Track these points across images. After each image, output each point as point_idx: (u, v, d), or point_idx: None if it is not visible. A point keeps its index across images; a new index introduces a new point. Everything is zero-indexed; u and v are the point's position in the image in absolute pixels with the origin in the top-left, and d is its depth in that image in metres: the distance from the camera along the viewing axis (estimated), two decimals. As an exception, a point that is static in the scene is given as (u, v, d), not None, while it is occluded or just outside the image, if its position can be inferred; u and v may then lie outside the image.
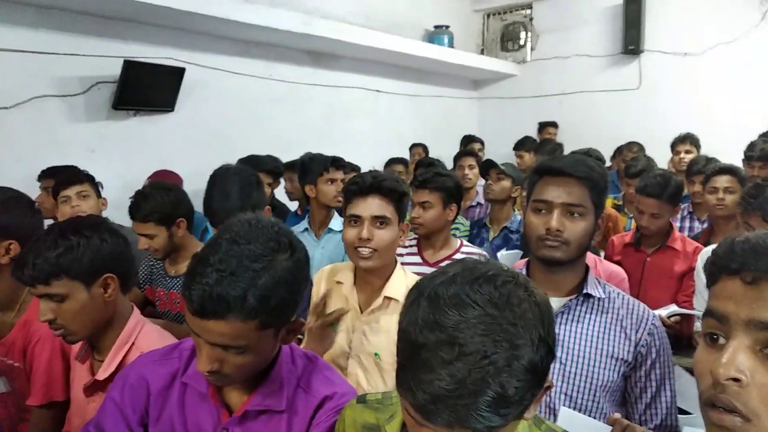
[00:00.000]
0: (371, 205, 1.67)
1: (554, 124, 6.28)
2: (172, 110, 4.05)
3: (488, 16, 7.29)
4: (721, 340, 0.71)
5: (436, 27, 6.27)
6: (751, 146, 3.81)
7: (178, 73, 3.94)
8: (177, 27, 4.04)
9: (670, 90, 5.84)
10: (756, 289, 0.68)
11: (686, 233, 3.31)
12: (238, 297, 0.96)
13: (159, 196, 2.20)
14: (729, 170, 2.81)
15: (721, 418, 0.68)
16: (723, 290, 0.72)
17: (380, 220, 1.67)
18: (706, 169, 3.11)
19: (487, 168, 3.10)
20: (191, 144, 4.19)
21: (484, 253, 2.42)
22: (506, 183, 3.00)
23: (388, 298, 1.71)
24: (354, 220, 1.69)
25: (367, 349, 1.70)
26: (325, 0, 5.14)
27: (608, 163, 5.02)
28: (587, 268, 1.50)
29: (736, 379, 0.67)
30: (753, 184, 2.24)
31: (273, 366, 1.13)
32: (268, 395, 1.11)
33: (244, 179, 2.15)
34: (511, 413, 0.69)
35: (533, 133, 6.11)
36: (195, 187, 2.74)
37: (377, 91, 5.83)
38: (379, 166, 5.30)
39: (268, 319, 1.00)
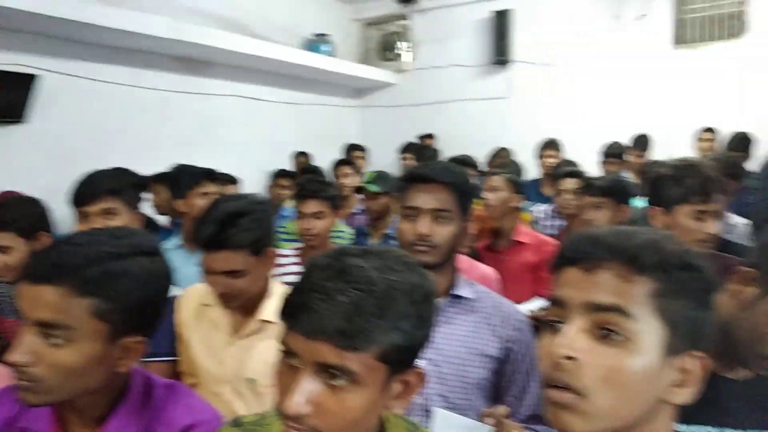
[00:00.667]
0: None
1: (431, 136, 6.49)
2: (22, 121, 3.69)
3: (367, 25, 7.41)
4: (561, 326, 0.74)
5: (315, 35, 6.25)
6: (609, 146, 4.18)
7: (27, 81, 3.59)
8: (27, 30, 3.70)
9: (537, 98, 6.23)
10: (592, 275, 0.73)
11: (551, 231, 3.54)
12: (74, 265, 0.88)
13: (21, 205, 1.97)
14: (574, 174, 3.03)
15: (555, 395, 0.72)
16: (564, 278, 0.77)
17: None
18: (558, 172, 3.37)
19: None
20: (45, 158, 3.84)
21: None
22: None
23: (264, 321, 1.64)
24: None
25: (243, 374, 1.62)
26: (197, 5, 4.96)
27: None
28: (456, 269, 1.54)
29: (570, 357, 0.70)
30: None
31: (123, 397, 1.03)
32: (119, 430, 1.01)
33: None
34: (373, 336, 0.74)
35: (414, 139, 6.26)
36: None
37: (255, 99, 5.70)
38: (260, 176, 5.19)
39: (107, 305, 0.92)
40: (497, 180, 2.78)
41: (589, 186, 2.59)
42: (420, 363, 0.84)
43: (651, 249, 0.73)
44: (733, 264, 1.18)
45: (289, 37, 5.95)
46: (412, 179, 1.48)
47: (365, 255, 0.79)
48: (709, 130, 5.07)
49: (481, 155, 4.74)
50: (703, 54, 5.60)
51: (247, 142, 5.51)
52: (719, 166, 2.99)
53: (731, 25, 5.52)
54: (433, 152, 5.22)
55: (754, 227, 2.35)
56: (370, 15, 7.33)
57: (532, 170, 4.93)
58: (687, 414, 0.81)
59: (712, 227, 1.74)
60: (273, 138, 5.82)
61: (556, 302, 0.76)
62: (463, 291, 1.49)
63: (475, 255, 2.65)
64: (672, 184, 1.79)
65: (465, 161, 3.39)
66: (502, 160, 4.73)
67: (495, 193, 2.75)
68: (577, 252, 0.76)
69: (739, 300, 1.13)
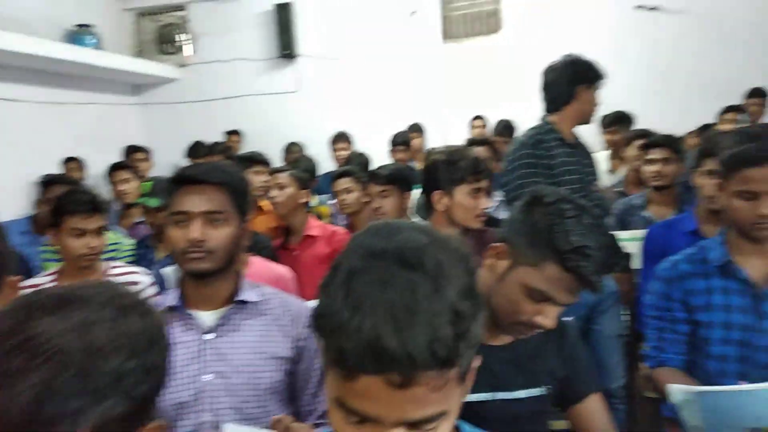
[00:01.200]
0: None
1: (236, 133, 6.25)
2: None
3: (140, 15, 6.84)
4: None
5: (78, 26, 5.59)
6: (394, 135, 4.39)
7: None
8: None
9: (326, 92, 6.34)
10: (403, 391, 0.63)
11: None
12: None
13: None
14: (347, 173, 3.04)
15: None
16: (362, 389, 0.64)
17: None
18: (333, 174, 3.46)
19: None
20: None
21: (138, 271, 2.22)
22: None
23: None
24: None
25: None
26: None
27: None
28: (240, 274, 1.47)
29: None
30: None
31: None
32: None
33: None
34: (77, 419, 0.64)
35: (204, 137, 5.95)
36: None
37: (9, 100, 4.93)
38: (23, 188, 4.51)
39: None
40: (282, 177, 2.74)
41: (374, 175, 2.68)
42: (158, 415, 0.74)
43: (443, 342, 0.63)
44: (495, 238, 1.28)
45: (48, 29, 5.24)
46: (179, 181, 1.36)
47: (62, 309, 0.67)
48: (479, 117, 5.62)
49: (271, 151, 4.67)
50: (468, 47, 6.19)
51: (1, 149, 4.74)
52: (486, 149, 3.33)
53: (489, 22, 6.18)
54: (224, 149, 5.01)
55: (506, 205, 2.64)
56: (142, 5, 6.78)
57: (326, 163, 5.01)
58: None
59: (485, 203, 1.97)
60: (35, 144, 5.08)
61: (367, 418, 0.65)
62: (247, 295, 1.42)
63: (273, 255, 2.59)
64: (448, 167, 1.95)
65: (253, 158, 3.29)
66: (293, 155, 4.72)
67: (281, 191, 2.71)
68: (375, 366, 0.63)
69: (494, 272, 1.24)
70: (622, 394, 2.52)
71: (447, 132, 6.00)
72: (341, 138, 4.86)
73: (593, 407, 1.35)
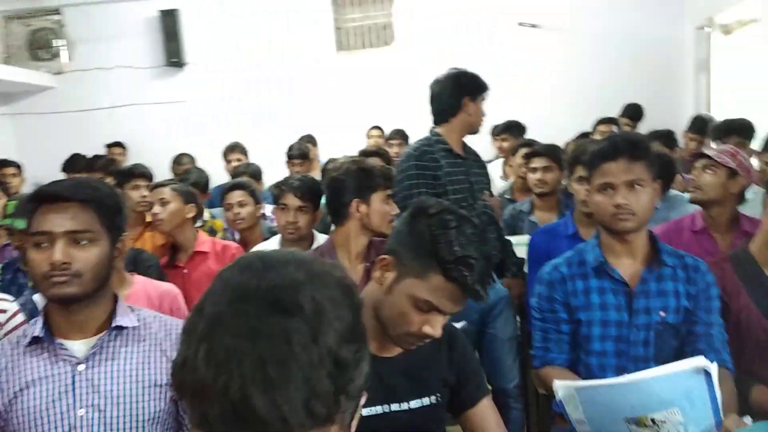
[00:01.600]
0: None
1: (120, 145, 5.88)
2: None
3: (9, 19, 6.28)
4: None
5: (-69, 28, 5.04)
6: (290, 148, 4.31)
7: None
8: None
9: (218, 101, 6.14)
10: None
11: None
12: None
13: None
14: (239, 186, 2.93)
15: None
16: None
17: None
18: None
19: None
20: None
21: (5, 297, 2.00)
22: None
23: None
24: None
25: None
26: None
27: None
28: (116, 297, 1.37)
29: None
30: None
31: None
32: None
33: None
34: None
35: (84, 150, 5.56)
36: None
37: None
38: None
39: None
40: (164, 192, 2.59)
41: (294, 188, 2.51)
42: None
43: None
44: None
45: None
46: (40, 199, 1.24)
47: None
48: (377, 127, 5.68)
49: (161, 162, 4.46)
50: (362, 59, 6.25)
51: None
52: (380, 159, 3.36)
53: (383, 34, 6.28)
54: (108, 162, 4.70)
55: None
56: (11, 8, 6.23)
57: (220, 175, 4.83)
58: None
59: (395, 209, 2.02)
60: None
61: None
62: (124, 320, 1.32)
63: (161, 274, 2.45)
64: (364, 174, 1.98)
65: (133, 172, 3.09)
66: (183, 167, 4.50)
67: (164, 206, 2.56)
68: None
69: (382, 285, 1.23)
70: (516, 395, 2.62)
71: (344, 142, 6.02)
72: (234, 149, 4.71)
73: (485, 411, 1.37)
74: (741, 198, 2.12)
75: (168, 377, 1.32)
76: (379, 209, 1.99)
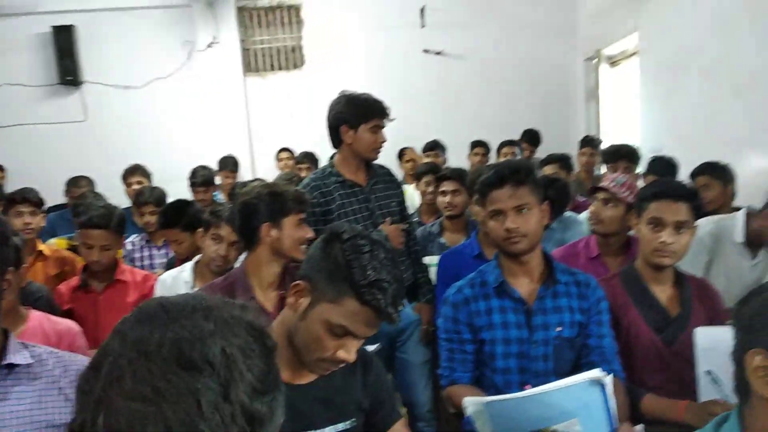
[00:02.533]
0: None
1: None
2: None
3: None
4: None
5: None
6: (193, 173, 4.15)
7: None
8: None
9: (117, 121, 5.88)
10: None
11: (146, 262, 3.37)
12: None
13: None
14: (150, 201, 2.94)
15: None
16: None
17: None
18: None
19: None
20: None
21: None
22: None
23: None
24: None
25: None
26: None
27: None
28: (7, 333, 1.27)
29: None
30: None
31: None
32: None
33: None
34: None
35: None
36: None
37: None
38: None
39: None
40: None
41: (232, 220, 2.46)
42: None
43: None
44: None
45: None
46: None
47: None
48: (286, 149, 5.65)
49: (55, 185, 4.18)
50: (271, 82, 6.22)
51: None
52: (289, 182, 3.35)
53: (293, 57, 6.29)
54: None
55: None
56: None
57: (122, 198, 4.60)
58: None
59: (310, 233, 1.99)
60: None
61: None
62: (16, 358, 1.22)
63: (51, 306, 2.28)
64: (276, 198, 1.95)
65: (15, 198, 2.88)
66: (80, 189, 4.23)
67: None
68: None
69: (296, 311, 1.23)
70: (429, 418, 2.66)
71: (254, 165, 5.94)
72: (135, 171, 4.48)
73: None
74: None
75: (65, 417, 1.24)
76: (291, 234, 1.96)
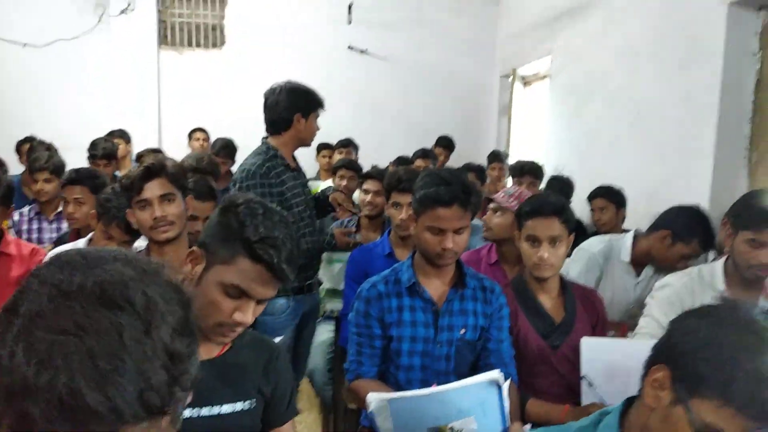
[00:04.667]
0: None
1: None
2: None
3: None
4: None
5: None
6: (93, 145, 3.89)
7: None
8: None
9: (9, 80, 5.43)
10: None
11: (34, 235, 3.14)
12: None
13: None
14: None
15: None
16: None
17: None
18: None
19: None
20: None
21: None
22: None
23: None
24: None
25: None
26: None
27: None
28: None
29: None
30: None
31: None
32: None
33: None
34: None
35: None
36: None
37: None
38: None
39: None
40: None
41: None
42: None
43: None
44: None
45: None
46: None
47: None
48: (200, 130, 5.42)
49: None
50: (188, 58, 5.97)
51: None
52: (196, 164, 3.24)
53: (213, 36, 6.07)
54: None
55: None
56: None
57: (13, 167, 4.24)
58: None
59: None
60: None
61: None
62: None
63: None
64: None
65: None
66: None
67: None
68: None
69: (192, 278, 1.22)
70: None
71: (161, 142, 5.68)
72: (28, 141, 4.17)
73: None
74: None
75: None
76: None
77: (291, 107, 2.56)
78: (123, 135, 4.90)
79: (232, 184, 2.60)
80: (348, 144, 5.03)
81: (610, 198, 3.22)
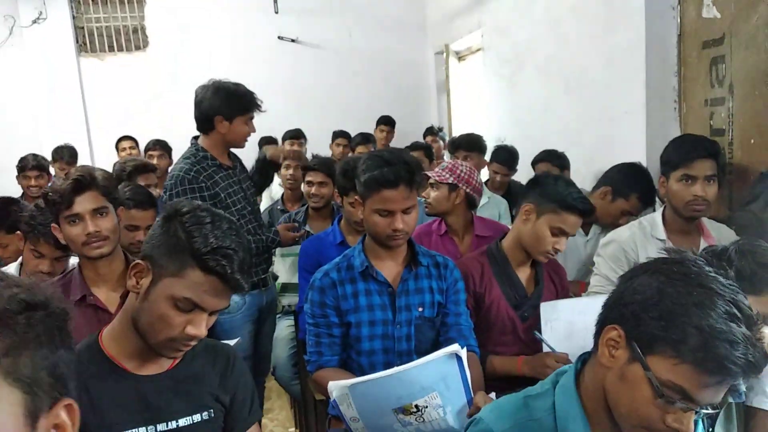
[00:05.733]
0: None
1: None
2: None
3: None
4: None
5: None
6: (23, 159, 3.74)
7: None
8: None
9: None
10: None
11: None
12: None
13: None
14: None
15: None
16: None
17: None
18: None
19: None
20: None
21: None
22: None
23: None
24: None
25: None
26: None
27: None
28: None
29: None
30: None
31: None
32: None
33: None
34: None
35: None
36: None
37: None
38: None
39: None
40: None
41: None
42: None
43: None
44: None
45: None
46: None
47: None
48: (128, 138, 5.19)
49: None
50: (111, 64, 5.73)
51: None
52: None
53: (135, 38, 5.83)
54: None
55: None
56: None
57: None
58: None
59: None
60: None
61: None
62: None
63: None
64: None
65: None
66: None
67: None
68: None
69: (138, 293, 1.17)
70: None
71: (92, 155, 5.45)
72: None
73: None
74: (470, 205, 2.44)
75: None
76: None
77: (212, 108, 2.48)
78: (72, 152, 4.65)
79: (164, 191, 2.51)
80: (298, 135, 4.95)
81: (553, 162, 3.27)
